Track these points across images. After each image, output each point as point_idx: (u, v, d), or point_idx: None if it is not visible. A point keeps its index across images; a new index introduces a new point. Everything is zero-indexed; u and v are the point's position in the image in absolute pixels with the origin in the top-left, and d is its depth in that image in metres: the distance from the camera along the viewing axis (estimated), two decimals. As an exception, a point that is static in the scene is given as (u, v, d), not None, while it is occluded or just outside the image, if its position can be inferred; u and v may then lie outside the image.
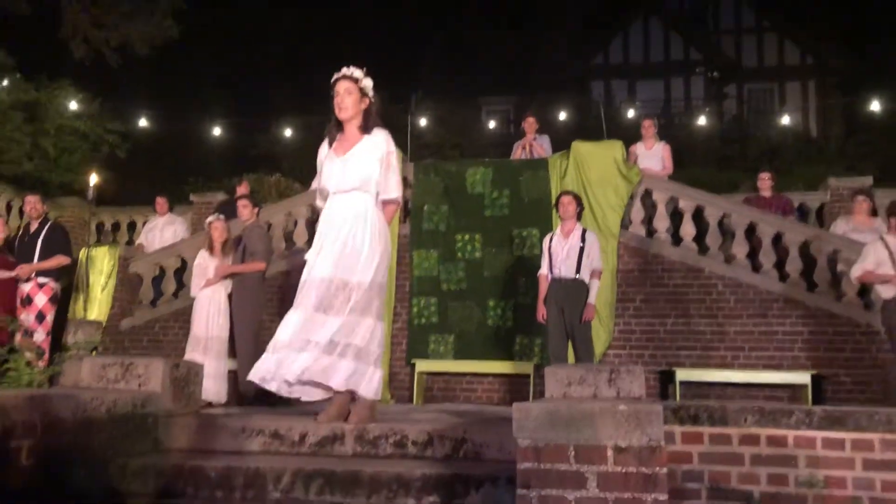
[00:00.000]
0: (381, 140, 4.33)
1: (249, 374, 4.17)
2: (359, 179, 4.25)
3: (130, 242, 10.86)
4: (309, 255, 4.36)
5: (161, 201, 10.40)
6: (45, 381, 4.82)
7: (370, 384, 4.12)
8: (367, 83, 4.32)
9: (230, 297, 7.22)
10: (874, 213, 8.55)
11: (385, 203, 4.40)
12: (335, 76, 4.32)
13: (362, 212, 4.23)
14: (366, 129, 4.34)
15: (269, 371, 4.09)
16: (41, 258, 7.56)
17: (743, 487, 3.31)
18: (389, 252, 4.43)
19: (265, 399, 6.87)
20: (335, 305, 4.14)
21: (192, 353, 6.96)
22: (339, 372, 4.04)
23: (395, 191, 4.39)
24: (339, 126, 4.37)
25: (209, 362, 6.97)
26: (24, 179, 11.32)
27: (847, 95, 21.16)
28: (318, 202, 4.53)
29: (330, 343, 4.07)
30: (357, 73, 4.30)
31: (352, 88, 4.28)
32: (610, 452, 2.64)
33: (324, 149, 4.45)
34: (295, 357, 4.07)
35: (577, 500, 2.62)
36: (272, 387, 4.13)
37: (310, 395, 4.20)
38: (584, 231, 6.90)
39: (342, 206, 4.25)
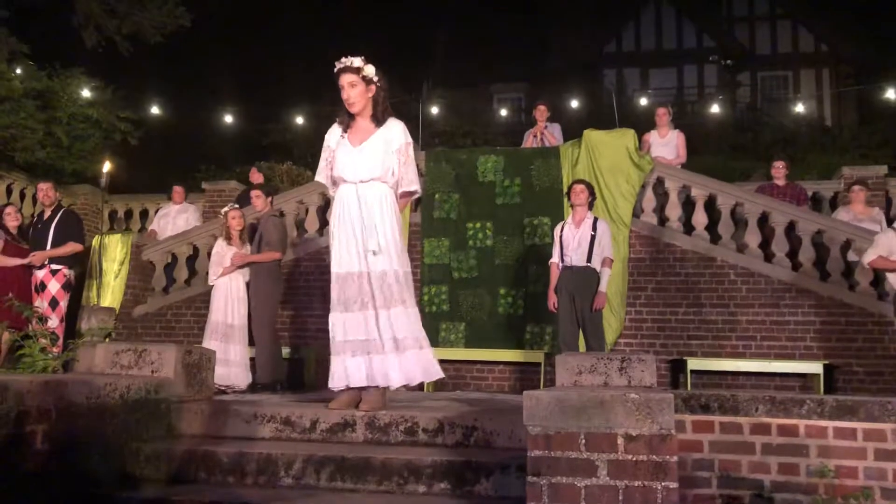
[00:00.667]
0: (397, 131, 4.32)
1: (331, 383, 4.20)
2: (377, 169, 4.26)
3: (143, 230, 10.91)
4: (333, 248, 4.35)
5: (179, 190, 10.44)
6: (60, 366, 4.86)
7: (428, 370, 4.24)
8: (369, 70, 4.25)
9: (248, 285, 7.28)
10: (889, 202, 8.49)
11: (403, 195, 4.41)
12: (336, 68, 4.27)
13: (382, 201, 4.25)
14: (378, 118, 4.32)
15: (343, 379, 4.17)
16: (54, 245, 7.62)
17: (753, 476, 3.31)
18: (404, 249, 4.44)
19: (277, 387, 6.95)
20: (373, 299, 4.18)
21: (209, 340, 7.01)
22: (395, 370, 4.12)
23: (415, 183, 4.39)
24: (351, 115, 4.35)
25: (234, 349, 7.06)
26: (38, 167, 11.38)
27: (861, 84, 20.98)
28: (331, 191, 4.54)
29: (376, 340, 4.14)
30: (357, 61, 4.24)
31: (355, 80, 4.23)
32: (620, 440, 2.64)
33: (332, 135, 4.43)
34: (354, 363, 4.15)
35: (588, 488, 2.63)
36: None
37: None
38: (595, 220, 6.88)
39: (360, 196, 4.25)
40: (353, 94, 4.24)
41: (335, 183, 4.42)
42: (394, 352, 4.13)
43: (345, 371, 4.16)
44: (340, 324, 4.22)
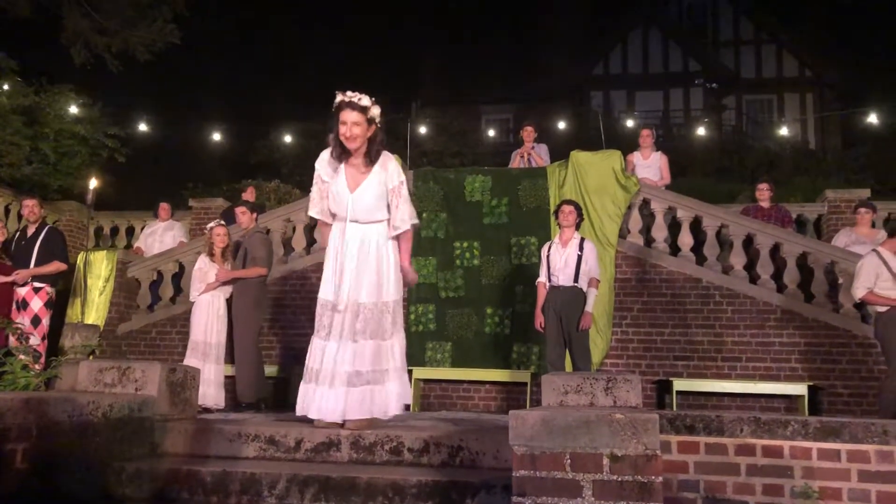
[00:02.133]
0: (392, 171, 4.28)
1: (297, 409, 4.19)
2: (373, 212, 4.27)
3: (129, 247, 10.85)
4: (325, 280, 4.34)
5: (165, 206, 10.42)
6: (42, 384, 4.81)
7: (401, 400, 4.23)
8: (376, 111, 4.18)
9: (229, 302, 7.21)
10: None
11: (400, 234, 4.38)
12: (340, 100, 4.14)
13: (376, 241, 4.28)
14: (372, 157, 4.25)
15: (310, 408, 4.13)
16: (38, 263, 7.56)
17: (738, 497, 3.31)
18: (401, 280, 4.45)
19: (261, 405, 6.90)
20: (357, 331, 4.18)
21: (190, 359, 6.94)
22: (376, 402, 4.12)
23: (409, 221, 4.35)
24: (345, 150, 4.23)
25: (209, 368, 6.97)
26: (24, 183, 11.32)
27: (845, 108, 21.23)
28: (326, 222, 4.47)
29: (359, 374, 4.13)
30: (365, 100, 4.14)
31: (360, 120, 4.12)
32: (606, 461, 2.64)
33: (323, 165, 4.35)
34: (329, 394, 4.11)
35: (573, 509, 2.62)
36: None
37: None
38: (582, 240, 6.93)
39: (355, 236, 4.26)
40: (356, 132, 4.14)
41: (334, 216, 4.38)
42: (378, 383, 4.17)
43: (316, 401, 4.14)
44: (319, 350, 4.26)
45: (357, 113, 4.13)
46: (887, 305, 6.42)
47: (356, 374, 4.11)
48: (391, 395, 4.19)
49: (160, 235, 10.13)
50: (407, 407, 4.27)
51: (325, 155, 4.37)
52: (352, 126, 4.12)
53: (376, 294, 4.23)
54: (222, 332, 7.14)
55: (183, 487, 3.41)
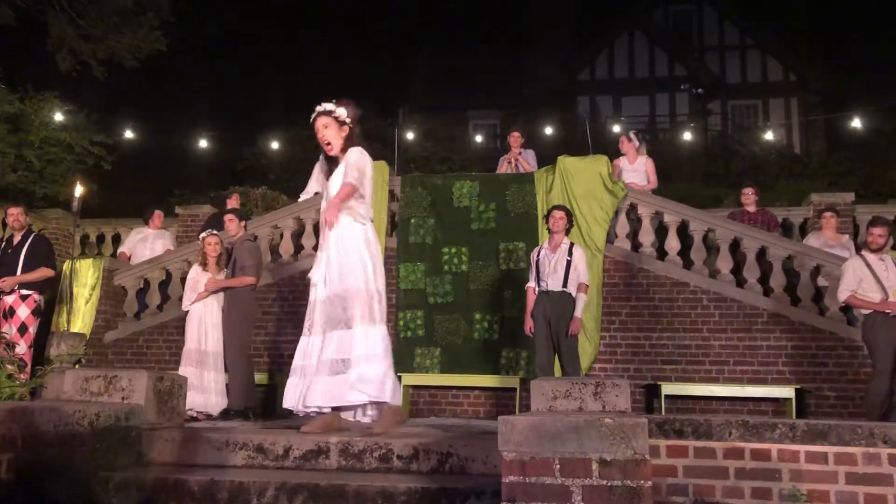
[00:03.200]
0: (351, 161, 4.47)
1: (284, 402, 4.43)
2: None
3: (115, 255, 10.78)
4: (311, 276, 4.59)
5: (159, 214, 10.34)
6: (27, 393, 4.76)
7: (383, 389, 4.27)
8: (341, 111, 4.51)
9: (222, 310, 7.20)
10: (857, 229, 8.64)
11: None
12: (312, 118, 4.54)
13: (343, 229, 4.42)
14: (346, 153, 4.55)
15: (295, 400, 4.37)
16: (24, 270, 7.50)
17: (727, 501, 3.32)
18: (381, 262, 4.57)
19: (250, 413, 6.87)
20: (335, 320, 4.34)
21: (185, 367, 6.93)
22: (355, 391, 4.22)
23: (350, 178, 4.46)
24: (331, 159, 4.61)
25: (209, 376, 6.97)
26: (8, 191, 11.23)
27: (829, 112, 21.42)
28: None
29: (338, 361, 4.26)
30: (328, 106, 4.51)
31: (328, 122, 4.48)
32: (595, 466, 2.64)
33: (317, 169, 4.84)
34: (312, 384, 4.29)
35: (562, 514, 2.62)
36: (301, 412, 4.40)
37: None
38: (571, 245, 6.95)
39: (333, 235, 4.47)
40: (328, 135, 4.49)
41: None
42: (355, 372, 4.26)
43: (299, 394, 4.36)
44: (303, 344, 4.55)
45: (323, 117, 4.49)
46: (868, 309, 6.47)
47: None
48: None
49: (151, 242, 10.04)
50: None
51: (322, 163, 4.80)
52: (321, 129, 4.49)
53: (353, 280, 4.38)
54: (219, 340, 7.13)
55: (170, 497, 3.39)
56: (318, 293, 4.43)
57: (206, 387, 6.92)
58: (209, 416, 6.80)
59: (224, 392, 7.07)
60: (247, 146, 19.44)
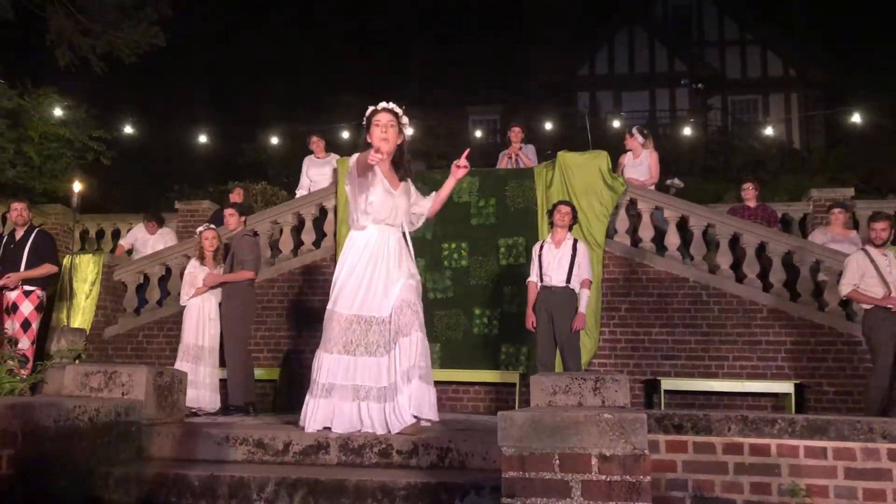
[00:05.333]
0: (411, 188, 4.64)
1: (308, 425, 4.12)
2: (403, 218, 4.59)
3: (115, 250, 10.78)
4: (350, 283, 4.39)
5: (153, 225, 10.28)
6: (27, 389, 4.77)
7: (425, 406, 4.12)
8: (405, 120, 4.50)
9: (220, 306, 7.19)
10: (856, 224, 8.63)
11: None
12: (377, 107, 4.41)
13: (404, 243, 4.59)
14: (399, 165, 4.51)
15: (327, 421, 4.12)
16: (28, 266, 7.49)
17: (727, 496, 3.33)
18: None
19: (250, 409, 6.87)
20: (388, 342, 4.25)
21: (181, 362, 6.92)
22: (395, 415, 4.06)
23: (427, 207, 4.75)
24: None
25: (203, 371, 6.96)
26: (7, 187, 11.23)
27: (829, 107, 21.39)
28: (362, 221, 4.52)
29: (389, 387, 4.14)
30: (397, 108, 4.44)
31: (394, 122, 4.40)
32: (594, 461, 2.64)
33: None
34: (351, 409, 4.13)
35: (562, 509, 2.62)
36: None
37: None
38: (575, 241, 6.95)
39: (388, 238, 4.49)
40: (391, 133, 4.38)
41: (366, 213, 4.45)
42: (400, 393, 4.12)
43: (331, 415, 4.12)
44: (346, 365, 4.25)
45: (390, 115, 4.40)
46: (870, 304, 6.47)
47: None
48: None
49: (152, 245, 10.03)
50: None
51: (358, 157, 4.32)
52: (387, 126, 4.38)
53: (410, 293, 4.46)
54: (215, 335, 7.12)
55: (170, 492, 3.39)
56: (376, 310, 4.29)
57: (199, 382, 6.90)
58: (203, 412, 6.78)
59: (217, 388, 7.05)
60: (246, 141, 19.42)
